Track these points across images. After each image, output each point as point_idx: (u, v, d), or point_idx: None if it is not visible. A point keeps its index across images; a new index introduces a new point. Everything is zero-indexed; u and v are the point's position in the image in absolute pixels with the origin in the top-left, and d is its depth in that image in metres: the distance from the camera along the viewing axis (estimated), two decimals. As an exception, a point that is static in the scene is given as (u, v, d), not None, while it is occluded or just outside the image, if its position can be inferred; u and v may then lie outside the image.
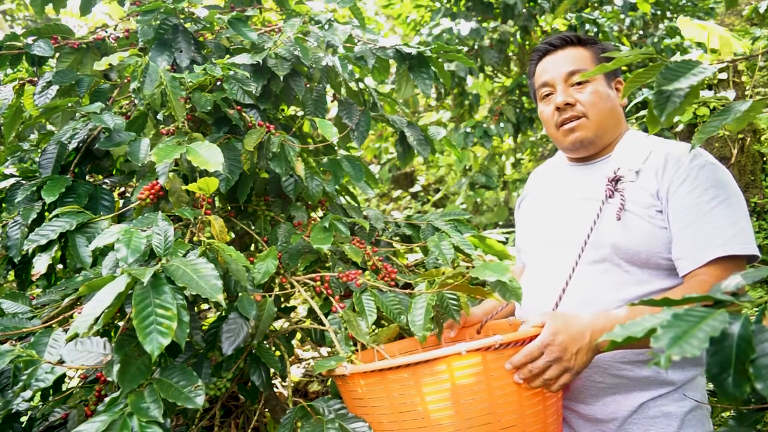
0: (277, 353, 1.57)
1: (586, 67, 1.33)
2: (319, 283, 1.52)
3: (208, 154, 1.28)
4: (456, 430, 1.03)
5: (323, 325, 1.41)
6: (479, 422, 1.03)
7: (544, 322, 1.08)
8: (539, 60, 1.42)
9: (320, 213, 1.89)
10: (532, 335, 1.07)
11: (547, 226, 1.40)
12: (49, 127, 1.96)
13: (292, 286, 1.53)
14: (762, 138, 4.77)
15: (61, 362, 1.08)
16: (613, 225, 1.23)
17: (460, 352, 1.02)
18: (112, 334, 1.49)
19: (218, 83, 1.65)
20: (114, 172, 1.81)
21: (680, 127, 4.39)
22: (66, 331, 1.17)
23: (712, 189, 1.17)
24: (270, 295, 1.42)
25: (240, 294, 1.33)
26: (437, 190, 7.11)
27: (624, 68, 1.38)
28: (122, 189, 1.77)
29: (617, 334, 0.52)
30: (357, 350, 1.33)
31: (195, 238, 1.37)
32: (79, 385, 1.43)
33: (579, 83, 1.33)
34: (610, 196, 1.26)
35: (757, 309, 0.56)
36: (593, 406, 1.25)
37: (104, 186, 1.61)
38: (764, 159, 4.73)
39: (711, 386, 2.05)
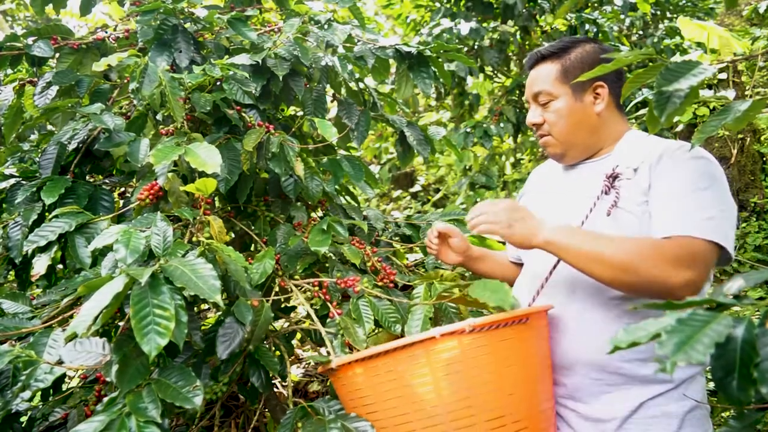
0: (277, 353, 1.56)
1: (546, 86, 1.33)
2: (317, 288, 1.52)
3: (206, 156, 1.28)
4: (439, 413, 1.05)
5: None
6: (462, 406, 1.05)
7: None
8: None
9: (320, 213, 1.89)
10: (507, 318, 1.10)
11: None
12: (49, 127, 1.96)
13: (291, 290, 1.53)
14: (762, 138, 4.77)
15: (60, 362, 1.07)
16: (604, 221, 1.24)
17: (435, 336, 1.04)
18: (113, 334, 1.49)
19: (218, 83, 1.65)
20: (114, 173, 1.81)
21: (680, 127, 4.38)
22: (65, 331, 1.17)
23: (695, 178, 1.16)
24: (268, 300, 1.42)
25: (237, 299, 1.33)
26: (437, 190, 7.11)
27: (624, 68, 1.37)
28: (122, 189, 1.77)
29: (621, 340, 0.51)
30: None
31: (194, 239, 1.37)
32: (79, 385, 1.43)
33: (544, 103, 1.35)
34: (606, 192, 1.26)
35: (758, 312, 0.56)
36: (593, 405, 1.25)
37: (104, 186, 1.61)
38: (764, 159, 4.73)
39: (711, 386, 2.06)
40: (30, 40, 1.71)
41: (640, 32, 5.19)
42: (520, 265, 1.56)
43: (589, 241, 1.16)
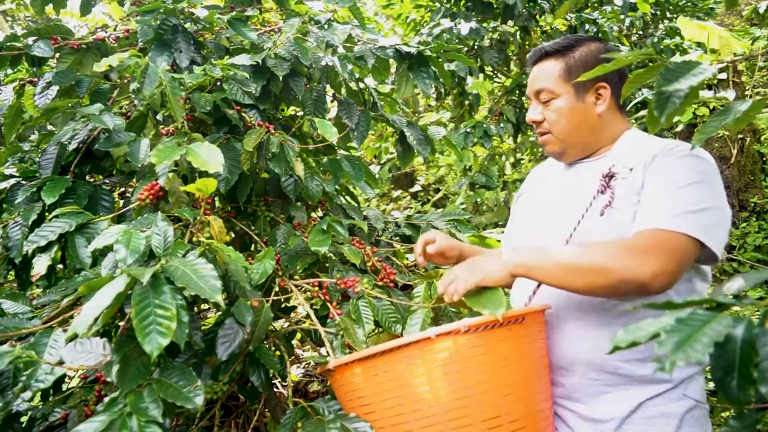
0: (277, 353, 1.57)
1: (548, 84, 1.32)
2: (317, 288, 1.52)
3: (208, 155, 1.28)
4: (435, 414, 1.05)
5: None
6: (457, 405, 1.05)
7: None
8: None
9: (320, 213, 1.89)
10: (503, 319, 1.09)
11: (539, 223, 1.40)
12: (50, 127, 1.96)
13: (291, 290, 1.54)
14: (762, 138, 4.77)
15: (60, 363, 1.07)
16: (597, 221, 1.24)
17: (430, 336, 1.04)
18: (113, 334, 1.49)
19: (218, 83, 1.65)
20: (114, 173, 1.81)
21: (680, 127, 4.39)
22: (66, 331, 1.17)
23: (682, 175, 1.15)
24: (268, 300, 1.42)
25: (237, 300, 1.33)
26: (437, 190, 7.11)
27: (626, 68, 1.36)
28: (122, 189, 1.77)
29: (621, 340, 0.52)
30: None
31: (194, 239, 1.37)
32: (79, 385, 1.43)
33: (545, 101, 1.34)
34: (601, 192, 1.25)
35: (758, 311, 0.56)
36: (591, 405, 1.25)
37: (104, 186, 1.61)
38: (764, 159, 4.73)
39: (711, 385, 2.05)
40: (30, 40, 1.71)
41: (640, 32, 5.19)
42: None
43: (557, 253, 1.16)
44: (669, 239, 1.10)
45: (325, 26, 1.88)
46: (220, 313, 1.34)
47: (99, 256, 1.39)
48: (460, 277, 1.19)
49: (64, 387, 1.60)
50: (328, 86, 1.94)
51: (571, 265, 1.12)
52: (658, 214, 1.13)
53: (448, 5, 4.55)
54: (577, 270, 1.12)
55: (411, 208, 6.95)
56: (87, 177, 1.68)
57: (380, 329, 1.50)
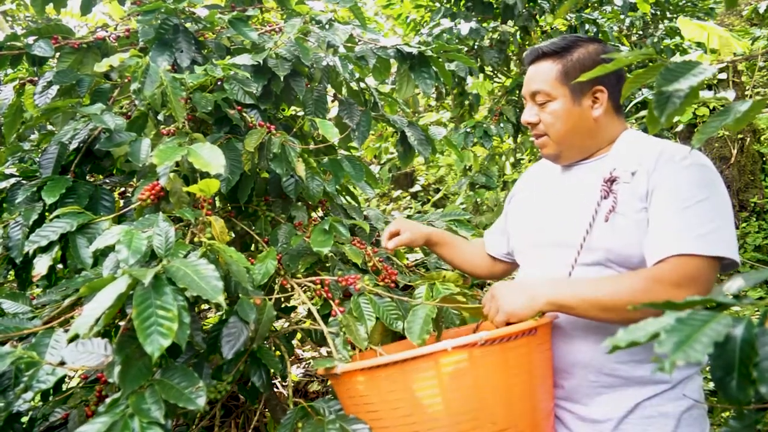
0: (278, 353, 1.57)
1: (544, 86, 1.30)
2: (319, 286, 1.52)
3: (210, 156, 1.28)
4: (445, 425, 1.05)
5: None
6: (468, 417, 1.05)
7: (530, 318, 1.17)
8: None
9: (321, 213, 1.89)
10: (517, 331, 1.10)
11: (537, 224, 1.39)
12: (50, 127, 1.96)
13: (293, 288, 1.54)
14: (762, 138, 4.77)
15: (62, 363, 1.07)
16: (602, 227, 1.22)
17: (446, 348, 1.04)
18: (113, 334, 1.49)
19: (219, 83, 1.65)
20: (114, 173, 1.81)
21: (680, 127, 4.39)
22: (67, 331, 1.17)
23: (694, 188, 1.14)
24: (270, 299, 1.42)
25: (240, 298, 1.33)
26: (437, 190, 7.11)
27: (624, 69, 1.35)
28: (123, 189, 1.77)
29: (620, 339, 0.52)
30: (355, 355, 1.34)
31: (196, 239, 1.37)
32: (80, 385, 1.43)
33: (542, 103, 1.32)
34: (604, 197, 1.24)
35: (758, 311, 0.56)
36: (589, 406, 1.26)
37: (105, 186, 1.61)
38: (764, 159, 4.74)
39: (711, 385, 2.05)
40: (30, 40, 1.71)
41: (640, 32, 5.19)
42: (500, 261, 1.58)
43: (587, 289, 1.16)
44: (697, 266, 1.10)
45: (326, 26, 1.88)
46: (220, 313, 1.34)
47: (100, 256, 1.39)
48: (492, 309, 1.22)
49: (64, 387, 1.60)
50: (329, 86, 1.94)
51: (602, 303, 1.12)
52: (677, 238, 1.12)
53: (448, 5, 4.55)
54: (609, 308, 1.12)
55: (411, 208, 6.95)
56: (87, 177, 1.68)
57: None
